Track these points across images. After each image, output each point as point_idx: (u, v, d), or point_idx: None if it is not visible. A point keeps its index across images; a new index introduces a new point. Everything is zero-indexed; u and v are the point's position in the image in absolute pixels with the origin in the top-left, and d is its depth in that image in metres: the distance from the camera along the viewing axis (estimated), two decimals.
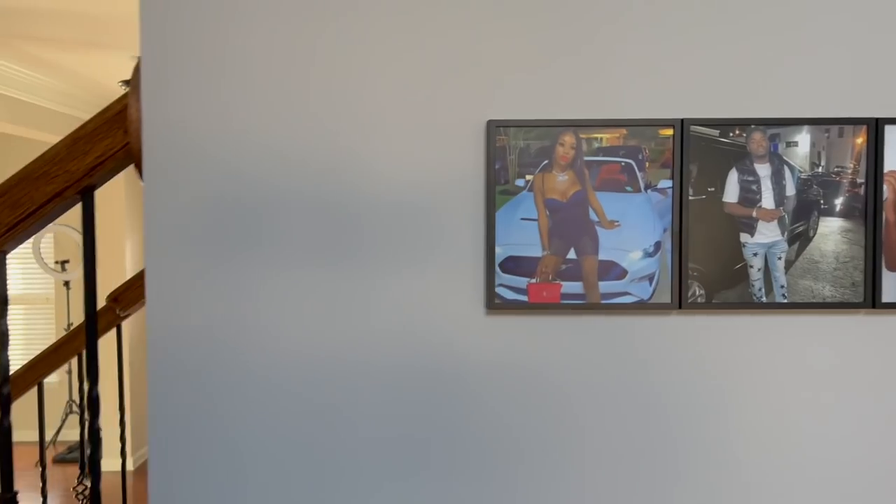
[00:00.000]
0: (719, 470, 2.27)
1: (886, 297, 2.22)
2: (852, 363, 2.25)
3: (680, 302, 2.22)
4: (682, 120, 2.20)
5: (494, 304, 2.22)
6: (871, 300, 2.22)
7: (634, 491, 2.27)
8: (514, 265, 2.22)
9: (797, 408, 2.25)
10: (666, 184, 2.22)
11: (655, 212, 2.22)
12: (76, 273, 10.37)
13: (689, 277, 2.22)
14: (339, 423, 2.24)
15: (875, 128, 2.20)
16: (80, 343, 4.37)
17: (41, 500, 4.59)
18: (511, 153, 2.21)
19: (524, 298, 2.22)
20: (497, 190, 2.21)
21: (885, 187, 2.20)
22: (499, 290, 2.22)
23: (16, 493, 2.46)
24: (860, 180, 2.21)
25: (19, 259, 12.02)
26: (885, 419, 2.25)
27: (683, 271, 2.21)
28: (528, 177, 2.22)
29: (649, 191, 2.22)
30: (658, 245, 2.22)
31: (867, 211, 2.20)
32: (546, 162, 2.22)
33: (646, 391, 2.25)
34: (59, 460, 10.48)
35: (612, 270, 2.22)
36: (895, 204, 2.20)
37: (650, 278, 2.22)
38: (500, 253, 2.21)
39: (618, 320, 2.25)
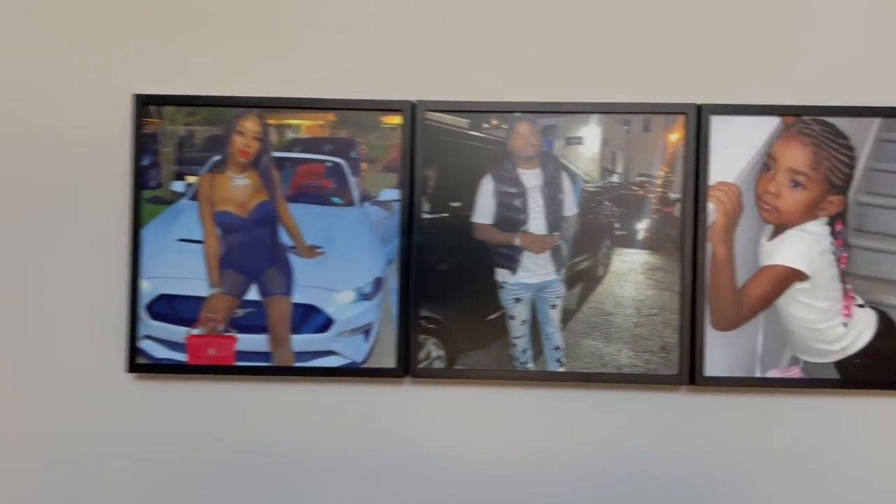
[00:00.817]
0: None
1: (711, 370, 1.50)
2: (665, 461, 1.53)
3: (408, 367, 1.51)
4: (414, 103, 1.51)
5: (137, 365, 1.52)
6: (690, 373, 1.50)
7: None
8: (169, 308, 1.52)
9: None
10: (391, 194, 1.52)
11: (375, 235, 1.52)
12: None
13: (422, 332, 1.51)
14: None
15: (697, 118, 1.50)
16: None
17: None
18: (166, 143, 1.52)
19: (182, 357, 1.52)
20: (144, 196, 1.52)
21: (710, 206, 1.50)
22: (145, 344, 1.52)
23: None
24: (674, 195, 1.51)
25: None
26: None
27: (414, 323, 1.51)
28: (191, 178, 1.53)
29: (367, 204, 1.52)
30: (378, 283, 1.52)
31: (684, 241, 1.50)
32: (218, 158, 1.52)
33: (361, 479, 1.54)
34: None
35: (312, 319, 1.52)
36: (726, 232, 1.50)
37: (366, 331, 1.52)
38: (149, 290, 1.52)
39: (320, 391, 1.55)
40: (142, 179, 1.51)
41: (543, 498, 1.53)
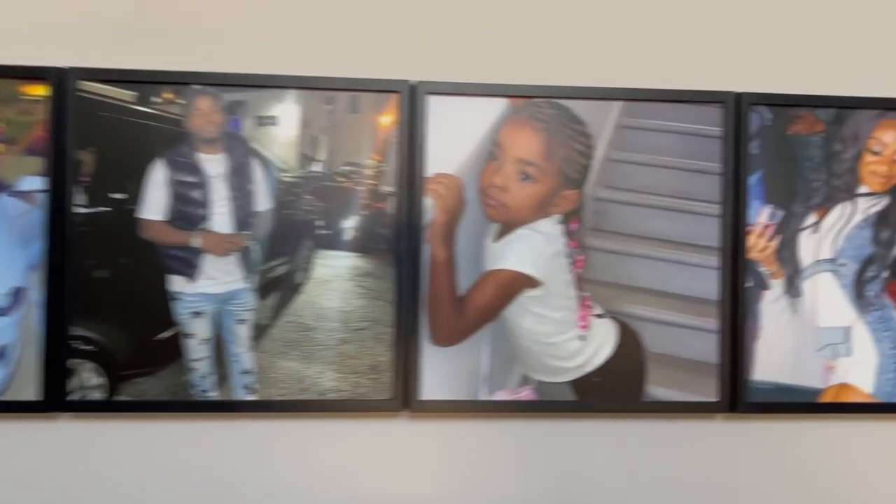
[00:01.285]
0: None
1: (429, 393, 1.28)
2: (379, 499, 1.30)
3: (57, 399, 1.22)
4: (65, 70, 1.22)
5: None
6: (404, 397, 1.27)
7: None
8: None
9: None
10: (34, 183, 1.22)
11: (13, 233, 1.22)
12: None
13: (74, 355, 1.22)
14: None
15: (411, 98, 1.27)
16: None
17: None
18: None
19: None
20: None
21: (428, 201, 1.27)
22: None
23: None
24: (387, 188, 1.28)
25: None
26: None
27: (64, 344, 1.21)
28: None
29: (2, 195, 1.22)
30: (17, 294, 1.21)
31: (399, 242, 1.27)
32: None
33: None
34: None
35: None
36: (446, 232, 1.28)
37: (1, 355, 1.21)
38: None
39: None
40: None
41: None
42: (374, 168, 1.27)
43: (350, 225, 1.27)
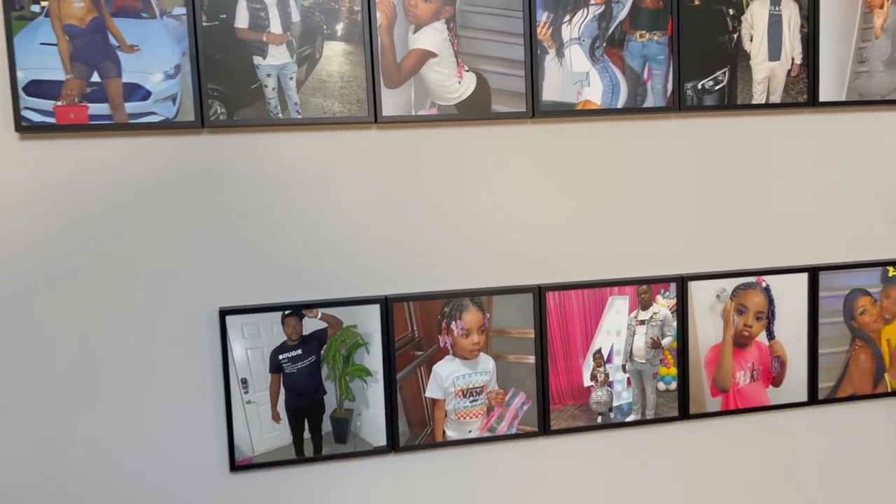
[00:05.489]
0: None
1: (387, 111, 2.60)
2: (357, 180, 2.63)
3: (202, 120, 2.47)
4: None
5: (22, 126, 2.36)
6: (374, 115, 2.59)
7: None
8: (39, 88, 2.36)
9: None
10: (180, 11, 2.43)
11: (173, 37, 2.43)
12: None
13: (209, 97, 2.47)
14: None
15: None
16: None
17: None
18: None
19: (52, 120, 2.38)
20: (13, 15, 2.32)
21: (378, 14, 2.55)
22: (25, 113, 2.35)
23: None
24: (357, 8, 2.54)
25: None
26: None
27: (204, 91, 2.46)
28: (44, 2, 2.34)
29: (164, 17, 2.42)
30: (178, 68, 2.44)
31: (364, 35, 2.55)
32: None
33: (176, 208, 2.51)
34: None
35: (137, 92, 2.43)
36: (388, 29, 2.57)
37: (173, 99, 2.45)
38: (23, 77, 2.34)
39: (146, 140, 2.48)
40: (10, 4, 2.31)
41: None
42: None
43: (339, 27, 2.54)
